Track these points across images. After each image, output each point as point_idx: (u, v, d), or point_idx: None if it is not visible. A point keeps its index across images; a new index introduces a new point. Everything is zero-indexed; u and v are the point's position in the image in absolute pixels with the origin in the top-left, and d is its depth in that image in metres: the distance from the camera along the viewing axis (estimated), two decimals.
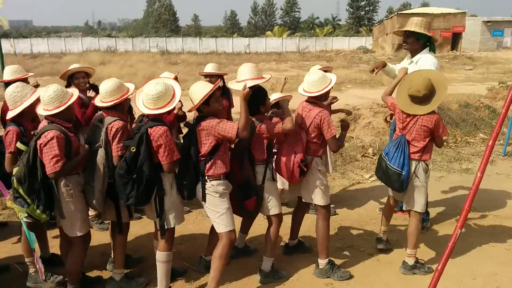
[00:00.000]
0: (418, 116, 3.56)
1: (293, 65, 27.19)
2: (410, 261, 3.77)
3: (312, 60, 31.15)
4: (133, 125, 3.53)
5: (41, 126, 3.18)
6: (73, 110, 3.34)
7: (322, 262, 3.68)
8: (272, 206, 3.54)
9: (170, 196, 3.21)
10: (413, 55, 4.30)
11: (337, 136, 3.58)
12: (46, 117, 3.16)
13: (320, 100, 3.66)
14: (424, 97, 3.48)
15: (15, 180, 3.05)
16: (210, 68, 5.01)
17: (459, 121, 8.68)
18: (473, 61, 27.68)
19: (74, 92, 3.27)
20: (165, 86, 3.12)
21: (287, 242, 4.13)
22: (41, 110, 3.18)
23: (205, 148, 3.16)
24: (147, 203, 3.24)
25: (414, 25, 4.17)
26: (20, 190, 3.03)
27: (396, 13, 40.33)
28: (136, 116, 3.60)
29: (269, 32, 59.60)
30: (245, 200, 3.41)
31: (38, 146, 3.03)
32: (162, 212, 3.20)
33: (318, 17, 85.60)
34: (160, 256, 3.33)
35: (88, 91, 4.51)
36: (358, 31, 66.43)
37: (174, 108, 3.47)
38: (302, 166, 3.56)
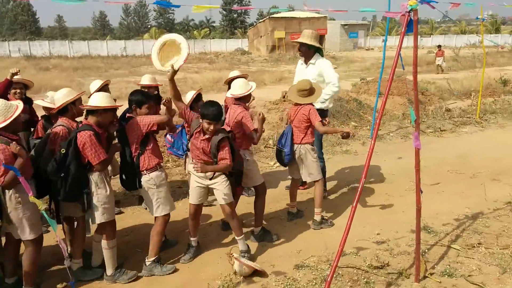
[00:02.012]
0: (299, 108, 4.81)
1: None
2: (318, 218, 4.94)
3: (193, 62, 31.86)
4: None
5: None
6: (19, 122, 3.57)
7: (257, 229, 4.62)
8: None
9: (96, 195, 3.73)
10: (306, 60, 5.56)
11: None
12: None
13: (242, 102, 4.59)
14: (307, 92, 4.79)
15: None
16: (147, 80, 5.42)
17: (335, 112, 10.37)
18: (336, 60, 31.26)
19: (19, 105, 3.49)
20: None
21: (223, 219, 4.97)
22: None
23: (135, 144, 3.86)
24: (76, 199, 3.72)
25: (306, 37, 5.38)
26: None
27: (268, 17, 43.14)
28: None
29: (146, 35, 58.51)
30: (237, 187, 4.25)
31: None
32: (88, 208, 3.74)
33: (193, 19, 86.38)
34: (103, 244, 3.87)
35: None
36: (233, 33, 69.05)
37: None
38: None
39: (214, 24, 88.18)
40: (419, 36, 3.40)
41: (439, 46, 21.33)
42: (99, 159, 3.60)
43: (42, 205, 2.92)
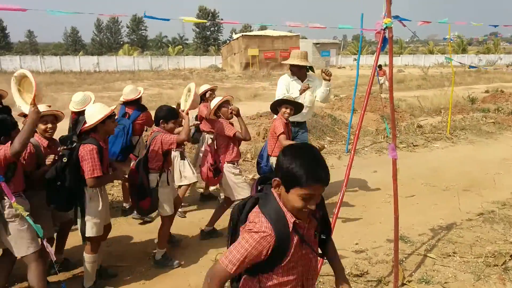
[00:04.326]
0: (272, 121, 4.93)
1: (151, 83, 27.48)
2: None
3: (168, 78, 31.85)
4: None
5: None
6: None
7: None
8: (163, 208, 4.24)
9: (88, 208, 3.65)
10: (302, 79, 5.56)
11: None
12: None
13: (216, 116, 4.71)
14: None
15: None
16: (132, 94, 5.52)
17: (311, 128, 10.53)
18: None
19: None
20: (99, 106, 3.77)
21: (203, 228, 4.97)
22: None
23: None
24: (68, 210, 3.72)
25: (297, 58, 5.46)
26: None
27: (241, 35, 43.69)
28: None
29: (120, 51, 58.20)
30: (140, 201, 4.12)
31: None
32: (82, 220, 3.66)
33: (166, 36, 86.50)
34: (84, 257, 3.78)
35: None
36: (207, 50, 69.46)
37: None
38: (212, 169, 4.53)
39: (187, 41, 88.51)
40: (387, 56, 3.62)
41: (380, 66, 18.99)
42: (92, 174, 3.50)
43: (24, 211, 2.85)
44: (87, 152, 3.50)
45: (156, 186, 4.14)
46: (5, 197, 3.18)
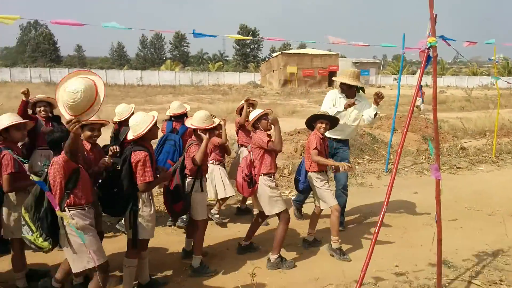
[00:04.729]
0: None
1: (191, 98, 28.13)
2: (334, 245, 4.88)
3: (207, 93, 32.50)
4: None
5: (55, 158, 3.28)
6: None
7: (274, 257, 4.58)
8: (198, 213, 4.41)
9: (142, 211, 3.78)
10: (349, 95, 5.50)
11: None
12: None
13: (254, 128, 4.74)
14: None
15: (23, 208, 3.28)
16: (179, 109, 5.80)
17: (349, 146, 10.42)
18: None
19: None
20: (142, 115, 3.87)
21: (241, 243, 4.97)
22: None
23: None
24: (122, 214, 3.87)
25: (348, 77, 5.41)
26: (26, 217, 3.24)
27: (280, 52, 44.09)
28: None
29: (163, 66, 60.15)
30: (173, 204, 4.30)
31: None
32: (134, 224, 3.77)
33: (207, 52, 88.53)
34: (126, 261, 3.87)
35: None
36: (246, 66, 70.44)
37: None
38: (247, 179, 4.55)
39: (227, 58, 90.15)
40: (430, 76, 3.65)
41: (420, 87, 19.99)
42: (144, 180, 3.65)
43: (69, 219, 2.93)
44: (141, 158, 3.65)
45: (190, 191, 4.34)
46: (66, 209, 3.22)
